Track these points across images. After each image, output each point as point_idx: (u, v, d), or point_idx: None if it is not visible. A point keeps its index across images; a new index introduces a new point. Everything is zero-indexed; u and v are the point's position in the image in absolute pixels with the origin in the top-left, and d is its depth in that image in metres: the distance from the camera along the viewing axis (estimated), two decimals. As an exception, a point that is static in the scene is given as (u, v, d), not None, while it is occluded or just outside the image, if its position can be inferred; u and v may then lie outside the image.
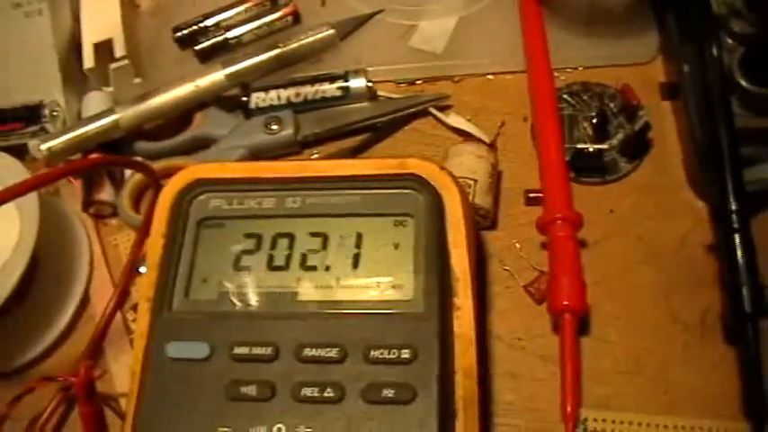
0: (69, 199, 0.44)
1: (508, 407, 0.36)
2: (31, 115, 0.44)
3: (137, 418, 0.31)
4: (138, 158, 0.42)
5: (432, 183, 0.34)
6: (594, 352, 0.37)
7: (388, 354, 0.30)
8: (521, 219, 0.40)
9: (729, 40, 0.39)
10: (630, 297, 0.38)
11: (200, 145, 0.43)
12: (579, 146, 0.39)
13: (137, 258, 0.40)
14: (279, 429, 0.30)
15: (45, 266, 0.41)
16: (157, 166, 0.41)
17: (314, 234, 0.34)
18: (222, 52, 0.45)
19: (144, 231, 0.39)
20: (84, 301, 0.41)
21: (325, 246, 0.34)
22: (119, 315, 0.40)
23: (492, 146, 0.40)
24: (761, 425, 0.34)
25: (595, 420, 0.35)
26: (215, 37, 0.45)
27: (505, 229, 0.40)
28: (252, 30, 0.45)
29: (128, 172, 0.43)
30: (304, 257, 0.34)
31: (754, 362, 0.34)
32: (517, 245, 0.39)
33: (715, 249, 0.38)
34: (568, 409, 0.34)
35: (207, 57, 0.45)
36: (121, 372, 0.39)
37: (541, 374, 0.37)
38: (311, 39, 0.43)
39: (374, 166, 0.35)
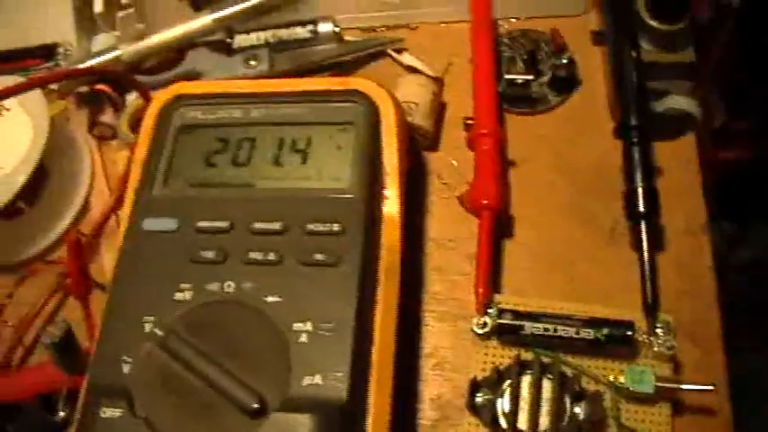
0: (77, 123, 0.51)
1: (435, 295, 0.42)
2: (47, 53, 0.52)
3: (114, 281, 0.38)
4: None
5: (370, 96, 0.40)
6: (514, 254, 0.43)
7: (322, 227, 0.37)
8: (460, 142, 0.46)
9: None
10: (549, 207, 0.44)
11: (190, 79, 0.50)
12: (509, 76, 0.45)
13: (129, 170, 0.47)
14: (229, 285, 0.36)
15: (53, 175, 0.48)
16: (153, 95, 0.48)
17: (272, 138, 0.41)
18: (213, 1, 0.52)
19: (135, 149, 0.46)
20: (85, 207, 0.48)
21: (280, 147, 0.40)
22: (113, 219, 0.47)
23: (437, 79, 0.46)
24: (653, 313, 0.39)
25: (507, 304, 0.40)
26: (207, -12, 0.52)
27: (446, 150, 0.46)
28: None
29: (128, 100, 0.50)
30: (262, 157, 0.40)
31: (649, 258, 0.40)
32: (454, 162, 0.45)
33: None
34: (480, 290, 0.39)
35: (199, 6, 0.52)
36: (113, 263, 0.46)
37: (466, 270, 0.42)
38: (288, -11, 0.49)
39: (324, 83, 0.42)
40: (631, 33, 0.42)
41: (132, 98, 0.50)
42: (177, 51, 0.50)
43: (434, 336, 0.41)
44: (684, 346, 0.39)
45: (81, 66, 0.49)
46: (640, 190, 0.40)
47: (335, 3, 0.51)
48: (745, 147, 0.76)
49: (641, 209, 0.39)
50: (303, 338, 0.34)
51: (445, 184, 0.45)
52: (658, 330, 0.38)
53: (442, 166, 0.46)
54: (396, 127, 0.39)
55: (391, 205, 0.38)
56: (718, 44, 0.54)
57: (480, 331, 0.38)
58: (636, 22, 0.43)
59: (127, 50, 0.49)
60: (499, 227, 0.42)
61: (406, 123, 0.42)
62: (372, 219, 0.37)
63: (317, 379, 0.33)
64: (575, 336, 0.38)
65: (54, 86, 0.50)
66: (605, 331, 0.38)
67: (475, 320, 0.39)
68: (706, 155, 0.47)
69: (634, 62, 0.42)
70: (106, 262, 0.46)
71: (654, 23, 0.42)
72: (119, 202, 0.47)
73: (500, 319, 0.38)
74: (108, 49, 0.49)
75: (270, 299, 0.35)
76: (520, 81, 0.45)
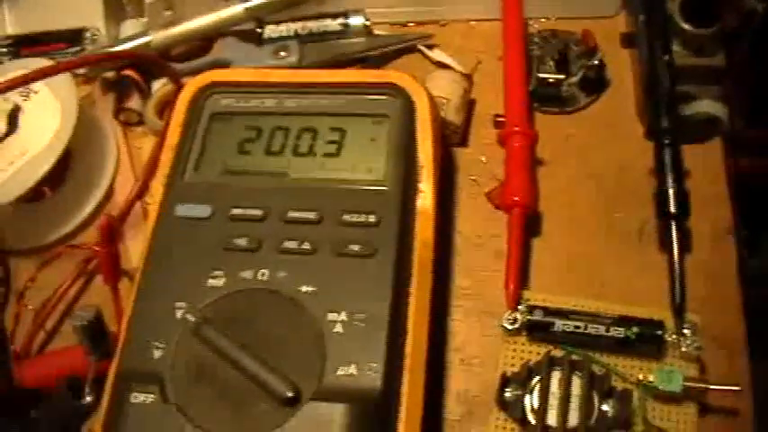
0: (102, 108, 0.50)
1: (463, 291, 0.42)
2: (74, 38, 0.51)
3: (146, 266, 0.37)
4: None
5: (406, 90, 0.40)
6: (541, 252, 0.43)
7: (357, 218, 0.37)
8: (489, 139, 0.46)
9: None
10: (575, 206, 0.44)
11: (218, 68, 0.49)
12: (540, 75, 0.45)
13: (158, 157, 0.47)
14: (263, 273, 0.36)
15: (78, 160, 0.47)
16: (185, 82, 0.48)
17: (306, 129, 0.40)
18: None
19: (165, 135, 0.45)
20: (109, 193, 0.48)
21: (314, 138, 0.40)
22: (138, 206, 0.47)
23: (467, 76, 0.46)
24: (680, 312, 0.39)
25: (536, 300, 0.40)
26: (237, -24, 0.51)
27: (475, 147, 0.46)
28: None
29: (154, 86, 0.50)
30: (296, 146, 0.40)
31: (678, 259, 0.40)
32: (483, 159, 0.46)
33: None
34: (511, 286, 0.39)
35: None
36: (138, 249, 0.45)
37: (494, 266, 0.42)
38: (320, -19, 0.49)
39: (359, 75, 0.42)
40: (664, 36, 0.42)
41: (159, 84, 0.50)
42: (206, 40, 0.50)
43: (461, 330, 0.41)
44: (709, 348, 0.39)
45: (115, 49, 0.48)
46: (671, 191, 0.40)
47: (365, -4, 0.51)
48: (758, 155, 0.76)
49: (672, 209, 0.40)
50: (338, 328, 0.34)
51: (474, 180, 0.45)
52: (686, 331, 0.38)
53: (471, 162, 0.46)
54: (431, 121, 0.39)
55: (425, 199, 0.38)
56: (742, 50, 0.54)
57: (510, 327, 0.39)
58: (669, 25, 0.43)
59: (157, 37, 0.49)
60: (527, 224, 0.42)
61: (439, 118, 0.42)
62: (407, 211, 0.37)
63: (352, 369, 0.33)
64: (605, 333, 0.38)
65: (81, 71, 0.50)
66: (635, 330, 0.38)
67: (505, 316, 0.39)
68: (727, 160, 0.47)
69: (667, 65, 0.42)
70: (131, 248, 0.46)
71: (687, 27, 0.42)
72: (144, 188, 0.47)
73: (531, 315, 0.38)
74: (138, 34, 0.49)
75: (304, 288, 0.35)
76: (551, 80, 0.45)
